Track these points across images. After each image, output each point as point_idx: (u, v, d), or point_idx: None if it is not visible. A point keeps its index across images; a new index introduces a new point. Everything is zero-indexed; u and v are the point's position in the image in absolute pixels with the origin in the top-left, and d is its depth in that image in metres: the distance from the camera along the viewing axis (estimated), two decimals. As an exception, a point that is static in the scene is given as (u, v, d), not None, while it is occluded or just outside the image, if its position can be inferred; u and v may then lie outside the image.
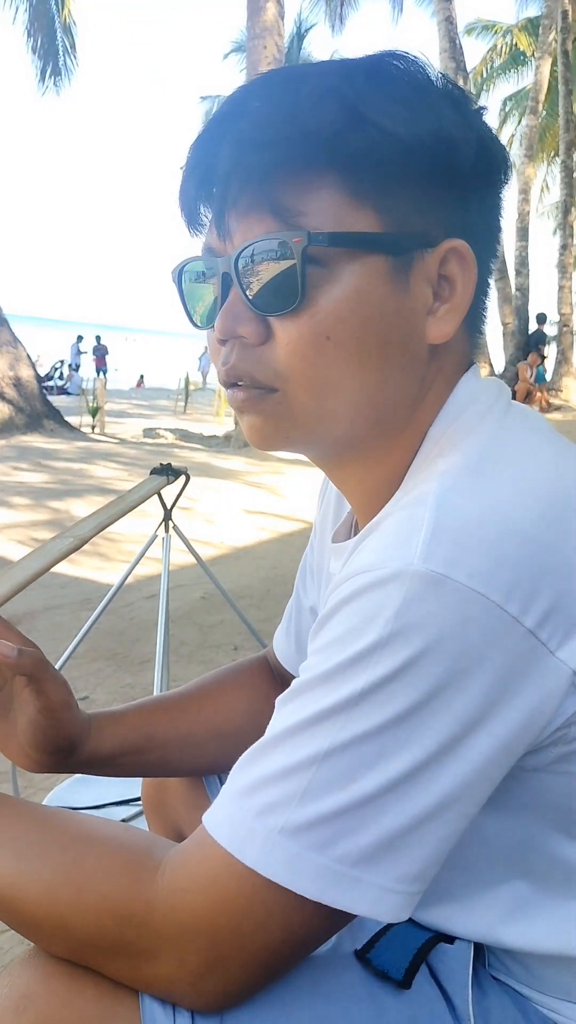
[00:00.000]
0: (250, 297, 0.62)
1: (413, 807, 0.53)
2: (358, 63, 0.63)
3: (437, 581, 0.52)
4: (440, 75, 0.65)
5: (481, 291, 0.67)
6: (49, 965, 0.61)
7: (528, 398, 14.48)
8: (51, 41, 13.83)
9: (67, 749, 0.86)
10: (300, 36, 24.01)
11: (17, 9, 13.40)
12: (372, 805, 0.53)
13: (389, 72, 0.62)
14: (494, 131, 0.67)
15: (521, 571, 0.53)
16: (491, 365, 14.60)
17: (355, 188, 0.60)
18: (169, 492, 2.06)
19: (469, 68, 15.11)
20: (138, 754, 0.91)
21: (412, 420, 0.67)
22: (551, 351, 16.54)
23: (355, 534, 0.77)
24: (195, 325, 0.70)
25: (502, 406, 0.67)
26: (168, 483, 1.92)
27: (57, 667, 1.99)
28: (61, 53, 14.02)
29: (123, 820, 1.79)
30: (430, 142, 0.60)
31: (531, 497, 0.57)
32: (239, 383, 0.65)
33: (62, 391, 20.23)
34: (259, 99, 0.62)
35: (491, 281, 0.70)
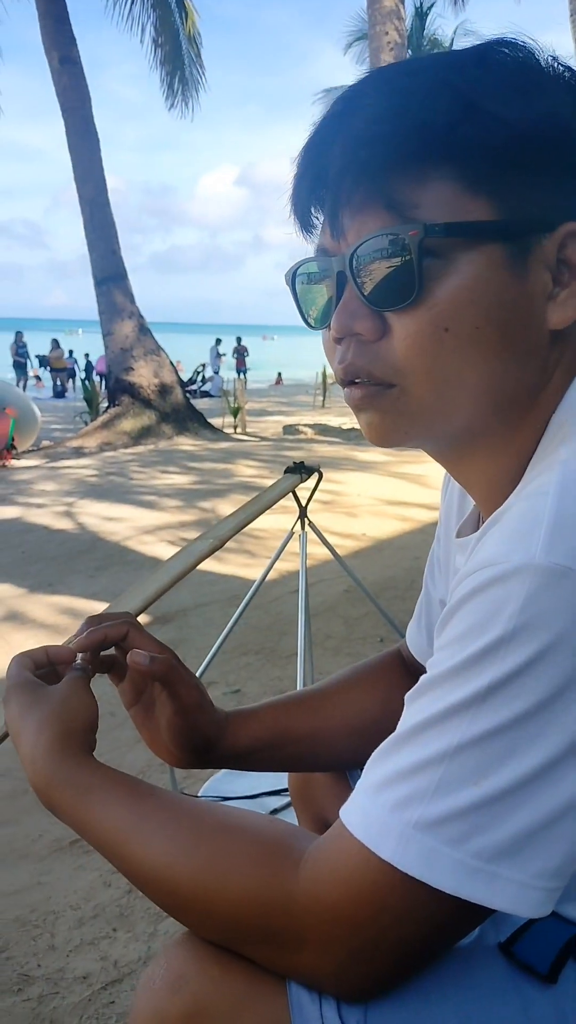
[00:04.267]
0: (366, 293, 0.62)
1: (548, 802, 0.52)
2: (468, 53, 0.63)
3: (561, 574, 0.51)
4: (551, 58, 0.63)
5: None
6: (201, 948, 0.64)
7: None
8: (177, 53, 14.27)
9: (204, 747, 0.90)
10: (422, 16, 23.54)
11: (144, 27, 13.93)
12: (505, 801, 0.53)
13: (499, 60, 0.61)
14: None
15: None
16: None
17: (470, 178, 0.59)
18: (305, 489, 2.09)
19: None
20: (273, 750, 0.93)
21: (533, 409, 0.65)
22: None
23: (479, 528, 0.76)
24: (310, 326, 0.71)
25: None
26: (302, 481, 1.94)
27: (207, 660, 2.07)
28: (187, 64, 14.45)
29: (274, 810, 1.84)
30: (543, 127, 0.59)
31: None
32: (356, 380, 0.65)
33: (204, 394, 20.82)
34: (371, 96, 0.62)
35: None
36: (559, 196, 0.61)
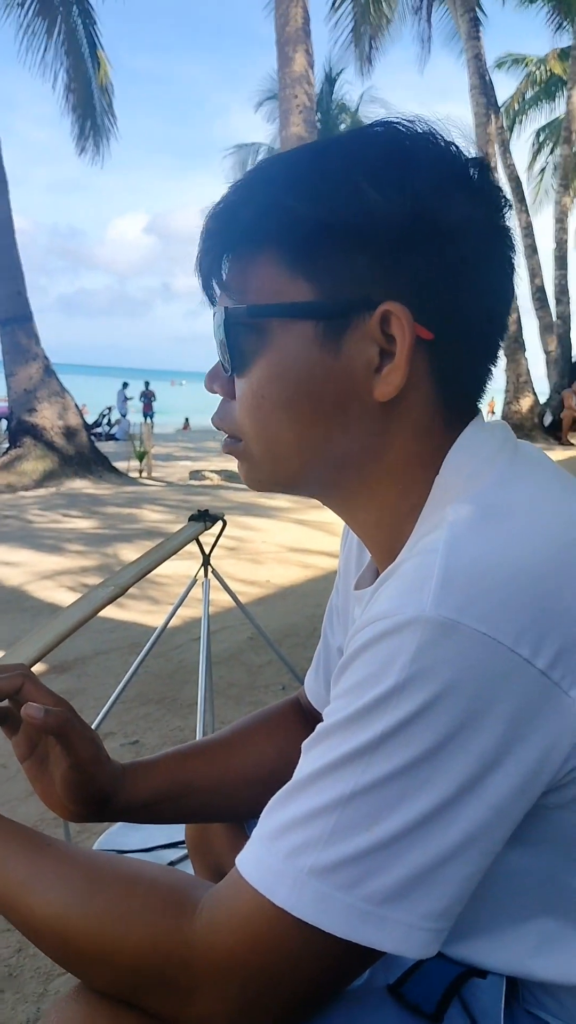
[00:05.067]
0: (220, 359, 0.73)
1: (436, 847, 0.55)
2: (304, 151, 0.70)
3: (450, 627, 0.54)
4: (398, 151, 0.66)
5: (450, 348, 0.67)
6: (94, 1001, 0.64)
7: (574, 425, 14.34)
8: (89, 101, 14.43)
9: (101, 800, 0.89)
10: (331, 81, 24.47)
11: (56, 73, 14.06)
12: (396, 845, 0.55)
13: (327, 156, 0.67)
14: (447, 197, 0.65)
15: (531, 614, 0.55)
16: (535, 395, 14.50)
17: (287, 263, 0.67)
18: (209, 536, 2.10)
19: (500, 101, 15.21)
20: (172, 801, 0.93)
21: (386, 470, 0.70)
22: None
23: (375, 581, 0.79)
24: None
25: (509, 451, 0.69)
26: (206, 528, 1.96)
27: (104, 711, 2.04)
28: (99, 112, 14.63)
29: (171, 863, 1.81)
30: (349, 218, 0.64)
31: (539, 541, 0.59)
32: (223, 431, 0.75)
33: (110, 437, 20.62)
34: (230, 193, 0.71)
35: (464, 338, 0.68)
36: (377, 277, 0.65)
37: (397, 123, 0.68)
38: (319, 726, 0.61)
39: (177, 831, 1.85)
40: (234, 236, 0.69)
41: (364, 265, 0.65)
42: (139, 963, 0.61)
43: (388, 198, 0.64)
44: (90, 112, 14.63)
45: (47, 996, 1.67)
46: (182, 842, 1.83)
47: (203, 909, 0.61)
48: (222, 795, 0.95)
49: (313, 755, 0.59)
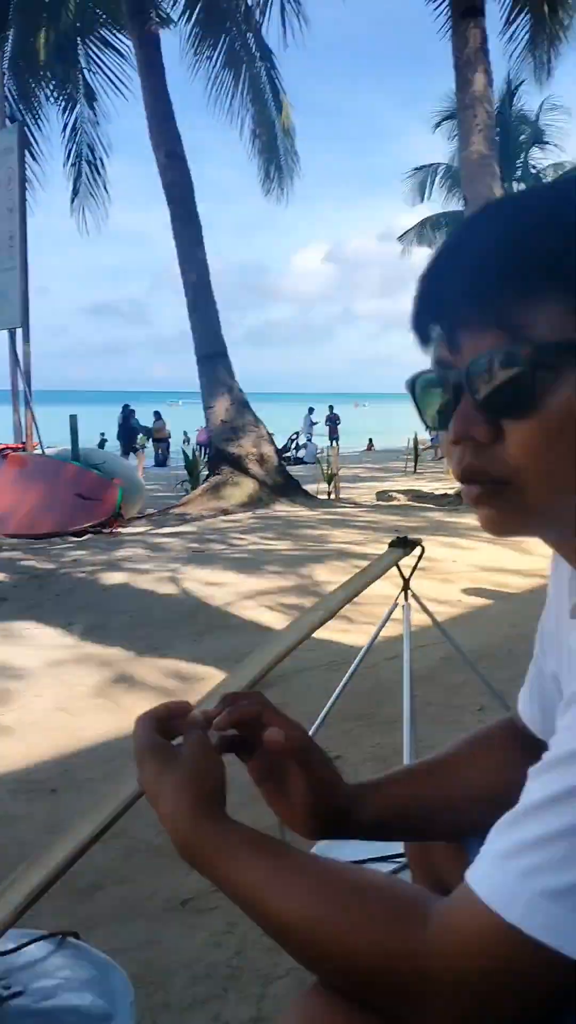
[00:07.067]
0: (481, 402, 0.69)
1: None
2: (570, 186, 0.71)
3: None
4: None
5: None
6: (333, 998, 0.70)
7: None
8: (273, 144, 15.15)
9: (336, 819, 0.94)
10: (511, 94, 24.00)
11: (243, 120, 14.86)
12: None
13: None
14: None
15: None
16: None
17: (575, 300, 0.66)
18: (406, 560, 2.16)
19: None
20: (401, 821, 0.97)
21: None
22: None
23: None
24: (427, 427, 0.79)
25: None
26: (405, 554, 2.02)
27: (314, 728, 2.13)
28: (282, 154, 15.33)
29: (382, 876, 1.85)
30: None
31: None
32: (474, 479, 0.72)
33: (298, 461, 21.15)
34: (484, 230, 0.71)
35: None
36: None
37: None
38: (547, 754, 0.64)
39: (386, 846, 1.90)
40: (524, 271, 0.66)
41: None
42: (372, 967, 0.66)
43: None
44: (274, 155, 15.35)
45: (266, 998, 1.76)
46: (394, 856, 1.89)
47: (435, 920, 0.65)
48: (446, 814, 0.98)
49: (542, 782, 0.63)
